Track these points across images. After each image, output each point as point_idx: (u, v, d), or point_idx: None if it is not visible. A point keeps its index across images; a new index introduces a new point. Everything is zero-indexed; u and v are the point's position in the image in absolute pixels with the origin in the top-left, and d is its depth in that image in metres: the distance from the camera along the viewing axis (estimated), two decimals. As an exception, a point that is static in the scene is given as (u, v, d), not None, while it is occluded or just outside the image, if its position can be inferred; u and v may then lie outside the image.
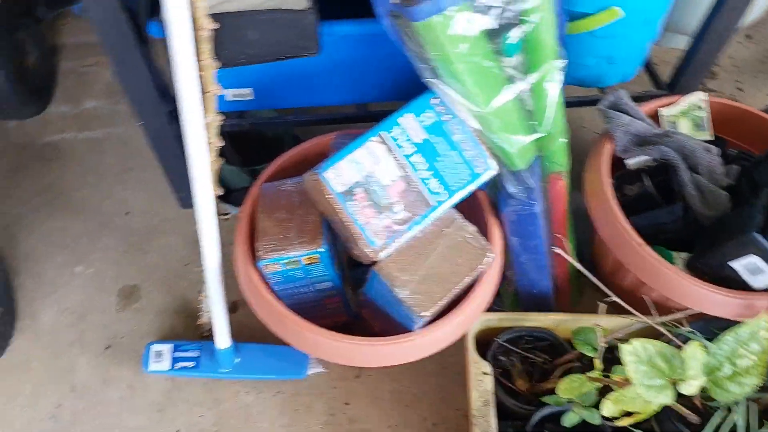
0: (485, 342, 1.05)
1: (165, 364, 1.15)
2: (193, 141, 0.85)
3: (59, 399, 1.17)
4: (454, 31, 0.83)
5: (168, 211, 1.42)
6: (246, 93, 1.16)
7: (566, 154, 1.05)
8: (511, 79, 0.93)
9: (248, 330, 1.20)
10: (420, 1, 0.79)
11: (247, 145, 1.34)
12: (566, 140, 1.03)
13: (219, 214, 0.97)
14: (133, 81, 1.04)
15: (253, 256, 1.00)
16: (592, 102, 1.26)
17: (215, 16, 0.84)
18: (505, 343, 1.05)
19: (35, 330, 1.25)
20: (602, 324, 0.95)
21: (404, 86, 1.14)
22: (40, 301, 1.29)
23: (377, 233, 0.87)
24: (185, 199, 1.40)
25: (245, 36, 0.88)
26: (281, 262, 0.95)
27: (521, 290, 1.13)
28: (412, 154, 0.90)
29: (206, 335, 1.22)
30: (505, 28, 0.89)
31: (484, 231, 0.98)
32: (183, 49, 0.76)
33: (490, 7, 0.84)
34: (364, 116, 1.22)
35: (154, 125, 1.15)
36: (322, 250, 0.94)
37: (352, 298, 1.08)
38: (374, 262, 0.90)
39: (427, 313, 0.86)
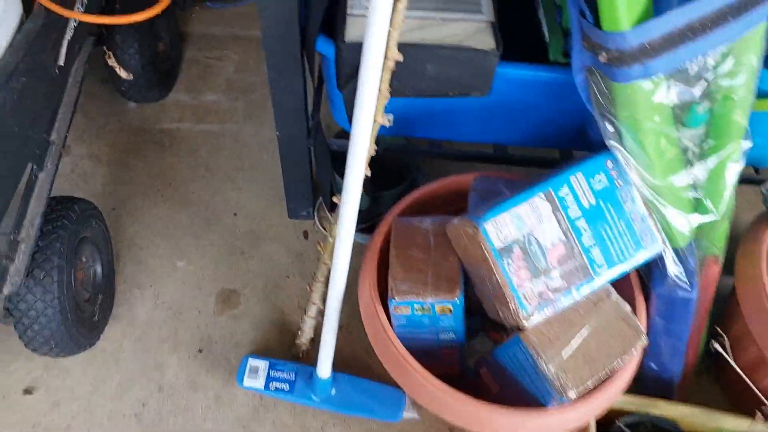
0: (604, 421, 0.97)
1: (259, 382, 1.11)
2: (355, 169, 0.80)
3: (145, 397, 1.14)
4: (655, 98, 0.76)
5: (275, 217, 1.39)
6: (387, 119, 1.11)
7: (726, 238, 0.96)
8: (689, 152, 0.85)
9: (343, 357, 1.15)
10: (630, 63, 0.72)
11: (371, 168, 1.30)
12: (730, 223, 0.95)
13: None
14: (285, 91, 1.01)
15: (380, 291, 0.95)
16: (746, 181, 1.17)
17: (399, 47, 0.79)
18: (625, 428, 0.97)
19: (130, 320, 1.23)
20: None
21: (559, 136, 1.07)
22: (139, 291, 1.27)
23: (530, 298, 0.81)
24: (295, 210, 1.37)
25: (423, 69, 0.83)
26: (413, 305, 0.90)
27: (648, 372, 1.05)
28: (578, 218, 0.83)
29: (300, 356, 1.18)
30: (699, 98, 0.82)
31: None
32: (371, 77, 0.72)
33: (699, 78, 0.77)
34: (501, 158, 1.16)
35: (289, 137, 1.12)
36: (458, 302, 0.89)
37: (467, 350, 1.02)
38: (519, 328, 0.83)
39: (573, 394, 0.79)
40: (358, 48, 0.83)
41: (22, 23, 0.98)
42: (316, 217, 1.38)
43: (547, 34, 0.97)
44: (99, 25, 1.23)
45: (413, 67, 0.83)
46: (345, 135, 1.01)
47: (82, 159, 1.46)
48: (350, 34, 0.84)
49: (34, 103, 0.99)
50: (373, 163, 1.34)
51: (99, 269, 1.18)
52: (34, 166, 1.01)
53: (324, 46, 0.92)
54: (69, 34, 1.10)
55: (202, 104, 1.58)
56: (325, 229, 1.36)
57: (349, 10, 0.87)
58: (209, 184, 1.43)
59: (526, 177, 0.96)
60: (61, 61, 1.08)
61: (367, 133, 0.77)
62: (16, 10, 0.97)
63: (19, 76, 0.92)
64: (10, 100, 0.90)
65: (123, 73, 1.31)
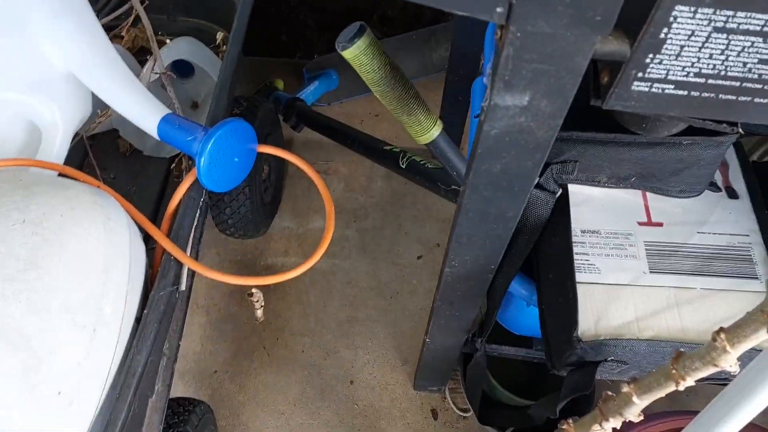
0: None
1: None
2: None
3: None
4: None
5: (397, 387, 1.19)
6: None
7: None
8: None
9: None
10: None
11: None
12: None
13: None
14: (452, 318, 0.80)
15: None
16: None
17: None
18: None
19: None
20: None
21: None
22: (247, 487, 1.09)
23: None
24: (423, 384, 1.16)
25: None
26: None
27: None
28: None
29: None
30: None
31: None
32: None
33: None
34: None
35: (443, 348, 0.92)
36: None
37: None
38: None
39: None
40: (597, 349, 0.62)
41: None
42: (447, 393, 1.18)
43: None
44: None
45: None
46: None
47: (177, 302, 1.29)
48: (585, 324, 0.62)
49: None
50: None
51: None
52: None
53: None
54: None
55: (309, 232, 1.38)
56: (457, 407, 1.16)
57: (578, 276, 0.64)
58: (321, 340, 1.24)
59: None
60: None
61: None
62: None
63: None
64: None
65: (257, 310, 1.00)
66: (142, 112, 0.73)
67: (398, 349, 1.24)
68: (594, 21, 0.36)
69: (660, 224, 0.68)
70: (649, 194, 0.70)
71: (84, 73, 0.75)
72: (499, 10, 0.36)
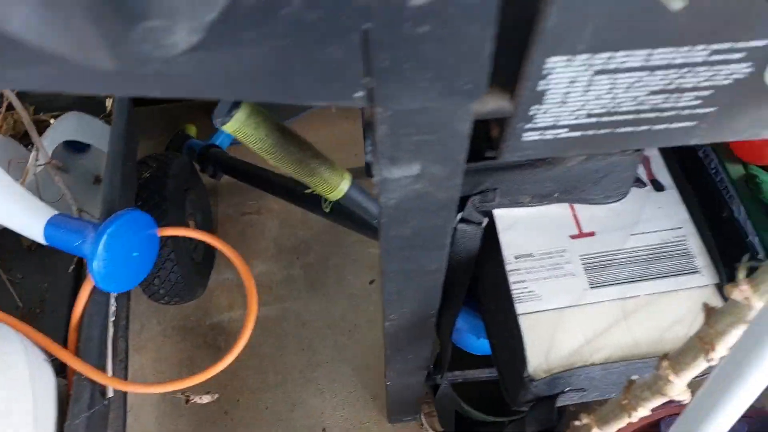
0: None
1: None
2: None
3: None
4: None
5: (372, 425, 1.15)
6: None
7: None
8: None
9: None
10: None
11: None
12: None
13: None
14: (404, 366, 0.76)
15: None
16: None
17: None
18: None
19: None
20: None
21: None
22: None
23: None
24: (396, 414, 1.12)
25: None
26: None
27: None
28: None
29: None
30: None
31: None
32: None
33: None
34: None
35: (401, 386, 0.88)
36: None
37: None
38: None
39: None
40: (551, 383, 0.59)
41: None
42: (423, 419, 1.14)
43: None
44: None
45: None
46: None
47: (126, 384, 1.21)
48: (534, 360, 0.59)
49: None
50: None
51: None
52: None
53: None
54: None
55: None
56: (436, 431, 1.13)
57: (518, 307, 0.61)
58: (285, 392, 1.19)
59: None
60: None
61: None
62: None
63: None
64: None
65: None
66: (25, 218, 0.66)
67: (366, 385, 1.19)
68: (463, 90, 0.32)
69: (592, 234, 0.65)
70: (576, 204, 0.67)
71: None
72: (357, 95, 0.32)
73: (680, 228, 0.65)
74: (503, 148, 0.39)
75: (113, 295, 0.72)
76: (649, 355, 0.58)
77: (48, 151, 0.83)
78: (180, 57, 0.26)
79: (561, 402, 0.61)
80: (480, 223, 0.64)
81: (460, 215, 0.63)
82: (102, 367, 0.67)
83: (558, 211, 0.67)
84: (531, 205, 0.66)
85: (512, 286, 0.62)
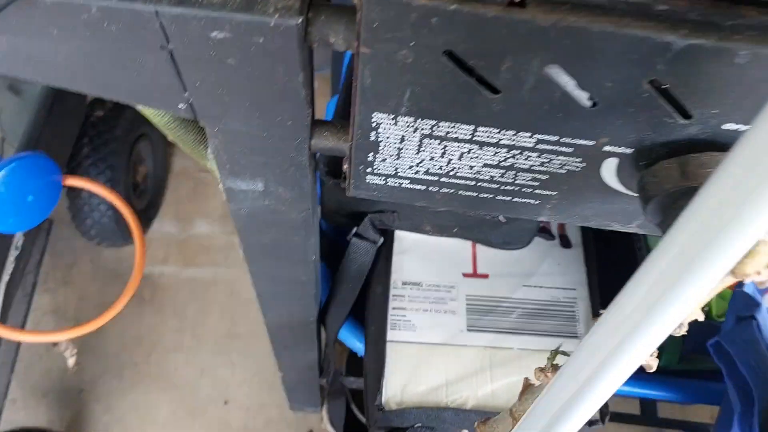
0: None
1: None
2: None
3: None
4: None
5: (273, 410, 1.16)
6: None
7: None
8: None
9: None
10: None
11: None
12: None
13: None
14: (293, 359, 0.77)
15: None
16: None
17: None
18: None
19: None
20: None
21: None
22: None
23: None
24: (298, 402, 1.13)
25: None
26: None
27: None
28: None
29: None
30: None
31: None
32: None
33: None
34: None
35: (297, 381, 0.88)
36: None
37: None
38: None
39: None
40: (401, 416, 0.59)
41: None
42: (324, 413, 1.15)
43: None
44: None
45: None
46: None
47: (44, 315, 1.21)
48: (390, 390, 0.59)
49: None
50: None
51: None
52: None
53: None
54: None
55: (191, 239, 1.32)
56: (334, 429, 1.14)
57: (390, 334, 0.61)
58: (196, 357, 1.19)
59: None
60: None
61: None
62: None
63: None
64: None
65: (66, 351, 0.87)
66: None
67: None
68: (286, 125, 0.31)
69: (486, 276, 0.65)
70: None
71: None
72: (181, 106, 0.31)
73: (573, 289, 0.65)
74: (351, 184, 0.38)
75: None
76: (502, 409, 0.58)
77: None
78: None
79: (412, 434, 0.61)
80: (375, 242, 0.64)
81: (355, 229, 0.63)
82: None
83: (458, 245, 0.66)
84: (432, 234, 0.65)
85: (391, 312, 0.62)
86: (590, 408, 0.27)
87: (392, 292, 0.63)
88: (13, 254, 0.76)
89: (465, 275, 0.65)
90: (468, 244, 0.67)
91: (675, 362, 0.71)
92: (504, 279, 0.65)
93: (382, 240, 0.65)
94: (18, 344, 0.89)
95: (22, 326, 0.92)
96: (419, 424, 0.59)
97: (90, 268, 1.27)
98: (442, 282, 0.64)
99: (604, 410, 0.60)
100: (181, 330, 1.22)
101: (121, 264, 1.28)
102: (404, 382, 0.59)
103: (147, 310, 1.23)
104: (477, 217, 0.61)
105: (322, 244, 0.55)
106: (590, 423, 0.62)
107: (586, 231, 0.69)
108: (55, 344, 0.82)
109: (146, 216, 1.29)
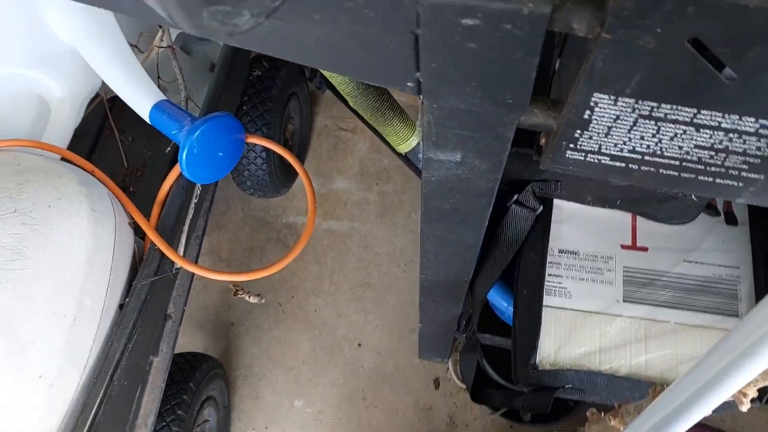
0: None
1: None
2: None
3: None
4: None
5: (402, 355, 1.22)
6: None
7: None
8: None
9: None
10: None
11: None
12: None
13: None
14: (437, 313, 0.81)
15: None
16: None
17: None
18: None
19: (243, 467, 1.14)
20: None
21: None
22: (254, 433, 1.17)
23: None
24: (428, 353, 1.19)
25: None
26: None
27: None
28: None
29: None
30: None
31: None
32: None
33: None
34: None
35: (434, 334, 0.93)
36: None
37: None
38: None
39: None
40: (554, 376, 0.61)
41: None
42: (450, 365, 1.20)
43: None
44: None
45: None
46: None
47: (201, 255, 1.34)
48: (544, 351, 0.61)
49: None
50: None
51: (213, 423, 1.09)
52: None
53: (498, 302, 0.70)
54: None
55: (331, 193, 1.39)
56: (459, 379, 1.18)
57: (546, 299, 0.63)
58: (334, 301, 1.28)
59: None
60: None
61: None
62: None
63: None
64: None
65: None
66: (136, 96, 0.74)
67: (407, 318, 1.26)
68: (506, 103, 0.34)
69: (645, 249, 0.65)
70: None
71: (84, 48, 0.77)
72: (410, 84, 0.35)
73: (737, 268, 0.63)
74: (547, 158, 0.40)
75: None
76: (656, 381, 0.59)
77: (172, 34, 0.90)
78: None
79: (559, 395, 0.63)
80: (535, 209, 0.66)
81: (516, 197, 0.64)
82: (173, 243, 0.76)
83: (618, 217, 0.66)
84: (592, 205, 0.66)
85: (547, 279, 0.64)
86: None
87: (549, 259, 0.65)
88: (193, 202, 0.85)
89: (623, 247, 0.65)
90: (627, 216, 0.66)
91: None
92: (664, 253, 0.64)
93: (541, 208, 0.66)
94: (191, 280, 1.00)
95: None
96: (570, 386, 0.62)
97: (241, 215, 1.39)
98: (599, 252, 0.65)
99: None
100: (321, 276, 1.31)
101: (269, 212, 1.38)
102: (558, 345, 0.61)
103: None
104: (645, 190, 0.61)
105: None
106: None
107: (753, 209, 0.67)
108: (235, 293, 0.91)
109: (291, 173, 1.37)
